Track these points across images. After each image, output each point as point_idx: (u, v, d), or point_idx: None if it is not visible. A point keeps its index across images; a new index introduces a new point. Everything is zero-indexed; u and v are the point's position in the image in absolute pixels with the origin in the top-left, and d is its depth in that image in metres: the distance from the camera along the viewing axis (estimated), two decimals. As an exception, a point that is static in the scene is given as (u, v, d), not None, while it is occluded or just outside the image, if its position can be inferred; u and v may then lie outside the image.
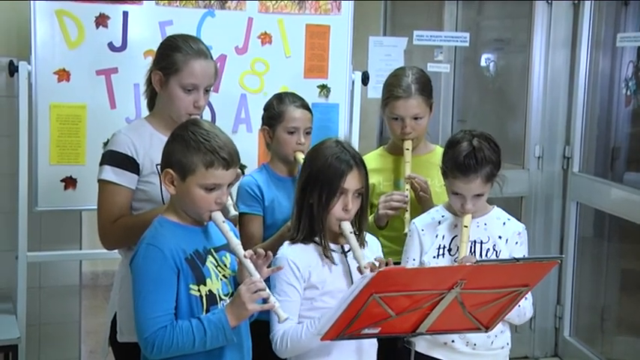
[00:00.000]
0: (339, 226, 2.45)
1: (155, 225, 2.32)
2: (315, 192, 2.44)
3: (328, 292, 2.42)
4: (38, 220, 3.66)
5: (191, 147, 2.27)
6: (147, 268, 2.23)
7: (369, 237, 2.62)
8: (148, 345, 2.21)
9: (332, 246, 2.49)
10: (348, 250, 2.48)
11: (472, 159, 2.58)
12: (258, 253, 2.28)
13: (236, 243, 2.29)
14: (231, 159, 2.29)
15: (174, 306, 2.24)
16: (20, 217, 3.46)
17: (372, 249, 2.59)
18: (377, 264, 2.37)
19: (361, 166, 2.48)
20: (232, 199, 2.76)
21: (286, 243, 2.51)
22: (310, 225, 2.46)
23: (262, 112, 3.05)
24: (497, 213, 2.75)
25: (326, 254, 2.46)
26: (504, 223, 2.73)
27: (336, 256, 2.48)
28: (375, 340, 2.52)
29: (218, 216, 2.30)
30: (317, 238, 2.47)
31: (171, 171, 2.29)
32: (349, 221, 2.45)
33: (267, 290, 2.23)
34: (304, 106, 2.98)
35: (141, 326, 2.22)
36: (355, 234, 2.47)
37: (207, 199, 2.28)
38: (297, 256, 2.44)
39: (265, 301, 2.23)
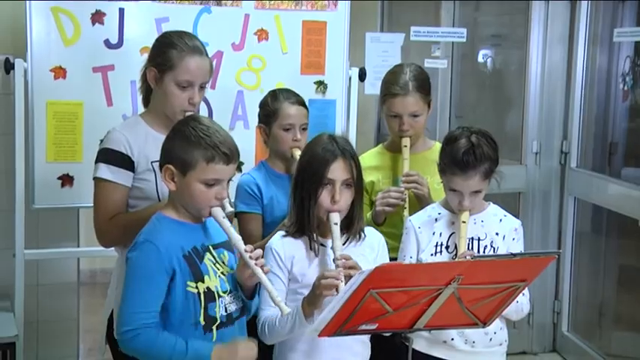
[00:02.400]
0: (327, 218, 2.45)
1: (153, 221, 2.33)
2: (305, 184, 2.46)
3: (308, 285, 2.42)
4: (35, 217, 3.66)
5: (192, 142, 2.27)
6: (140, 263, 2.24)
7: (371, 232, 2.62)
8: (126, 339, 2.22)
9: (322, 240, 2.50)
10: None
11: (471, 155, 2.58)
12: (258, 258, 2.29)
13: (237, 238, 2.30)
14: (231, 154, 2.30)
15: (159, 307, 2.24)
16: (17, 214, 3.46)
17: (372, 244, 2.60)
18: (352, 259, 2.39)
19: (349, 157, 2.47)
20: (229, 196, 2.75)
21: (278, 233, 2.54)
22: (301, 218, 2.47)
23: (258, 109, 3.05)
24: (493, 210, 2.75)
25: (311, 247, 2.47)
26: (501, 220, 2.73)
27: (323, 250, 2.49)
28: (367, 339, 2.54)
29: (218, 212, 2.31)
30: (308, 232, 2.48)
31: (171, 167, 2.29)
32: (339, 213, 2.45)
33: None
34: (299, 102, 2.97)
35: (122, 319, 2.23)
36: (348, 226, 2.48)
37: (207, 195, 2.28)
38: (281, 246, 2.48)
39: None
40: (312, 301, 2.29)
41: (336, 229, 2.43)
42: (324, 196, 2.44)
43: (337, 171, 2.44)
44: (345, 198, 2.46)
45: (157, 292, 2.23)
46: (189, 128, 2.29)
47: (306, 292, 2.41)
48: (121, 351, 2.54)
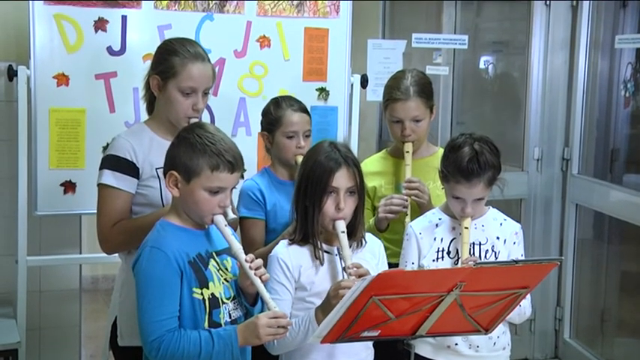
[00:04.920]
0: (333, 226, 2.45)
1: (157, 228, 2.33)
2: (308, 192, 2.45)
3: (316, 293, 2.43)
4: (38, 224, 3.67)
5: (197, 149, 2.27)
6: (151, 271, 2.23)
7: (370, 238, 2.62)
8: (153, 349, 2.20)
9: (327, 247, 2.50)
10: None
11: (475, 163, 2.58)
12: (261, 273, 2.29)
13: (238, 247, 2.30)
14: (236, 162, 2.30)
15: (178, 309, 2.24)
16: (20, 221, 3.47)
17: (373, 250, 2.60)
18: (362, 266, 2.38)
19: (352, 164, 2.47)
20: (232, 203, 2.76)
21: (282, 242, 2.53)
22: (305, 226, 2.47)
23: (260, 117, 3.05)
24: (493, 214, 2.76)
25: (316, 255, 2.46)
26: (501, 224, 2.74)
27: (329, 258, 2.49)
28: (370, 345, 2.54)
29: (220, 219, 2.31)
30: (312, 240, 2.47)
31: (175, 173, 2.30)
32: (344, 220, 2.45)
33: (289, 327, 2.24)
34: (302, 109, 2.98)
35: (146, 330, 2.21)
36: (350, 233, 2.47)
37: (210, 202, 2.28)
38: (288, 255, 2.46)
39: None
40: (327, 310, 2.26)
41: (344, 238, 2.43)
42: (329, 205, 2.44)
43: (341, 179, 2.44)
44: (349, 205, 2.46)
45: (172, 295, 2.23)
46: (195, 135, 2.30)
47: (314, 300, 2.42)
48: (124, 358, 2.55)
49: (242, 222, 2.89)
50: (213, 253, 2.36)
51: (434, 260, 2.68)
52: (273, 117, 2.96)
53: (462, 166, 2.58)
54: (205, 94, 2.70)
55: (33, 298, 3.73)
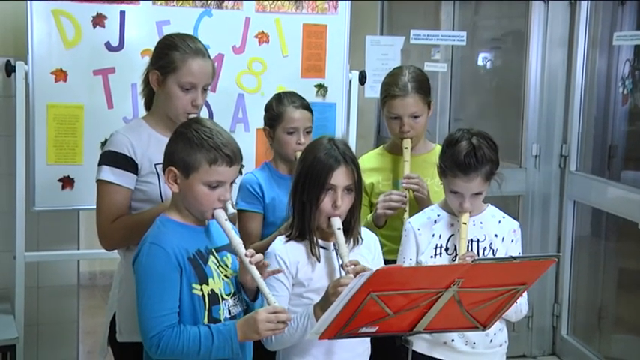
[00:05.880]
0: (328, 223, 2.45)
1: (157, 224, 2.33)
2: (305, 189, 2.45)
3: (314, 289, 2.44)
4: (36, 220, 3.66)
5: (194, 144, 2.27)
6: (151, 266, 2.23)
7: (367, 234, 2.62)
8: (153, 344, 2.21)
9: (323, 243, 2.50)
10: None
11: (472, 158, 2.58)
12: (261, 262, 2.29)
13: (238, 242, 2.30)
14: (234, 156, 2.30)
15: (178, 304, 2.24)
16: (18, 217, 3.47)
17: (369, 245, 2.60)
18: (360, 263, 2.38)
19: (350, 162, 2.47)
20: (231, 198, 2.76)
21: (279, 238, 2.53)
22: (302, 222, 2.47)
23: (263, 112, 3.06)
24: (492, 211, 2.76)
25: (312, 251, 2.46)
26: (499, 222, 2.74)
27: (325, 253, 2.49)
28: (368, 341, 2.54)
29: (220, 214, 2.31)
30: (309, 236, 2.47)
31: (174, 169, 2.30)
32: (340, 217, 2.45)
33: (288, 322, 2.24)
34: (304, 105, 2.99)
35: (146, 325, 2.22)
36: (347, 230, 2.47)
37: (210, 197, 2.28)
38: (285, 252, 2.46)
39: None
40: (325, 307, 2.25)
41: (340, 235, 2.43)
42: (326, 202, 2.44)
43: (340, 177, 2.44)
44: (345, 203, 2.46)
45: (172, 290, 2.23)
46: (192, 131, 2.30)
47: (312, 295, 2.42)
48: (123, 354, 2.54)
49: (240, 215, 2.90)
50: (213, 250, 2.36)
51: (432, 256, 2.68)
52: (274, 113, 2.97)
53: (460, 160, 2.59)
54: (205, 90, 2.70)
55: (31, 294, 3.73)
